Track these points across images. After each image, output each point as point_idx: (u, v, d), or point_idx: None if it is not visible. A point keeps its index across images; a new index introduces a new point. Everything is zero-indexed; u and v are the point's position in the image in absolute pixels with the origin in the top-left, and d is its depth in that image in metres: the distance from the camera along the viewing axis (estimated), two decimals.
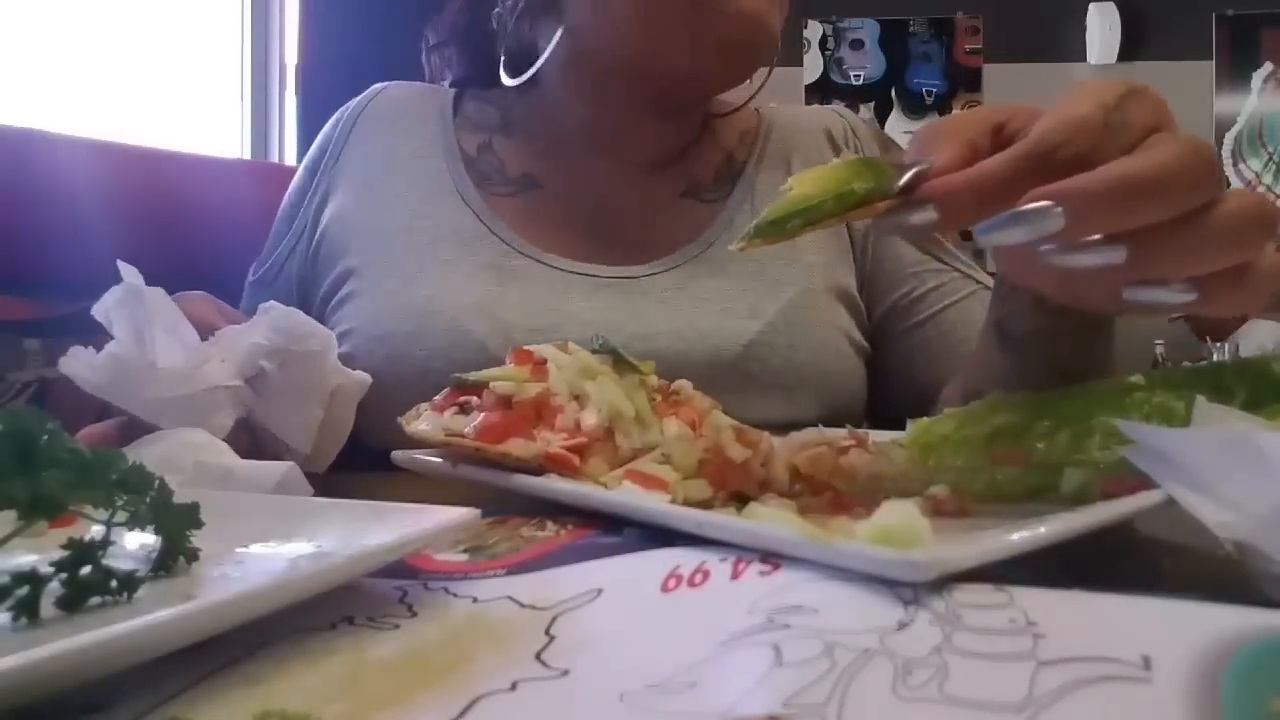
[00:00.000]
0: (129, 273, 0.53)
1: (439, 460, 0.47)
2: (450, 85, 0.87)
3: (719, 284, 0.74)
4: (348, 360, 0.73)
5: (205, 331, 0.58)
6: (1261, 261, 0.36)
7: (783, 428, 0.53)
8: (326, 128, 0.85)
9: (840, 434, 0.52)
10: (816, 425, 0.51)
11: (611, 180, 0.79)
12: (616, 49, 0.75)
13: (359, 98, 0.85)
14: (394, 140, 0.81)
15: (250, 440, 0.55)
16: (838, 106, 0.91)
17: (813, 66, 4.97)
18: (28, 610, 0.26)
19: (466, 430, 0.45)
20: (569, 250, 0.76)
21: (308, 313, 0.72)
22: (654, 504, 0.37)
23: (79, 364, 0.50)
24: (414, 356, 0.70)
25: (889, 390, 0.79)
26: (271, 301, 0.58)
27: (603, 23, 0.74)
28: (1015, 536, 0.29)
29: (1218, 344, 4.03)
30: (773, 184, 0.81)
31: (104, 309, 0.52)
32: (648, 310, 0.73)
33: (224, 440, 0.52)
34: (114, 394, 0.51)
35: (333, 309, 0.76)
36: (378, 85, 0.86)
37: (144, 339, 0.51)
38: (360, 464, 0.59)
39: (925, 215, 0.36)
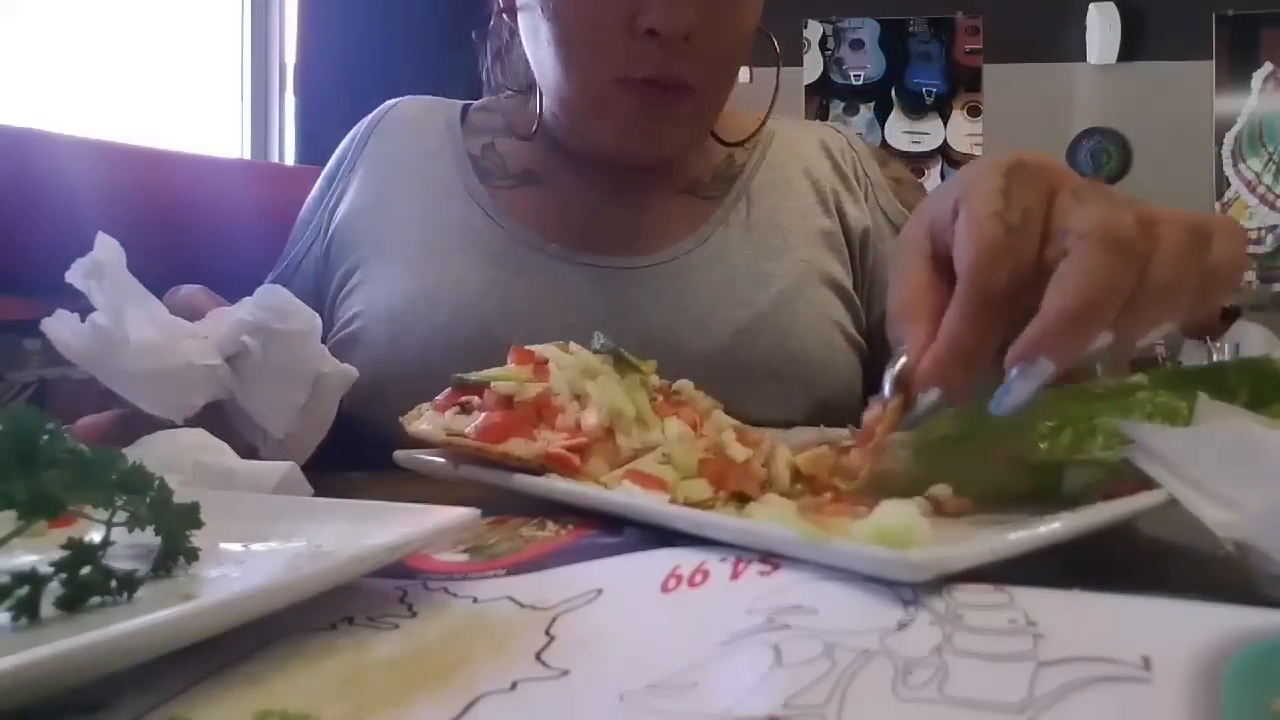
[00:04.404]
0: (104, 246, 0.52)
1: (440, 460, 0.47)
2: (508, 90, 0.91)
3: (713, 275, 0.77)
4: (355, 339, 0.75)
5: (197, 316, 0.58)
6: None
7: (778, 424, 0.54)
8: (344, 142, 0.90)
9: (841, 434, 0.52)
10: (817, 425, 0.51)
11: (609, 177, 0.81)
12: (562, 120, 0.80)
13: (374, 112, 0.90)
14: (406, 146, 0.85)
15: (223, 426, 0.54)
16: (837, 124, 0.96)
17: (813, 66, 4.97)
18: (28, 610, 0.26)
19: (467, 430, 0.45)
20: (569, 241, 0.78)
21: (321, 309, 0.75)
22: (654, 504, 0.37)
23: (62, 329, 0.50)
24: (419, 331, 0.73)
25: None
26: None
27: (545, 94, 0.79)
28: (1015, 536, 0.29)
29: (1217, 344, 4.03)
30: (770, 188, 0.83)
31: (77, 277, 0.51)
32: (644, 300, 0.76)
33: (192, 421, 0.52)
34: (90, 363, 0.51)
35: (343, 298, 0.80)
36: (391, 101, 0.91)
37: (117, 312, 0.51)
38: (361, 464, 0.59)
39: (932, 400, 0.39)
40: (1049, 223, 0.38)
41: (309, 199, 0.89)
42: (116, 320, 0.50)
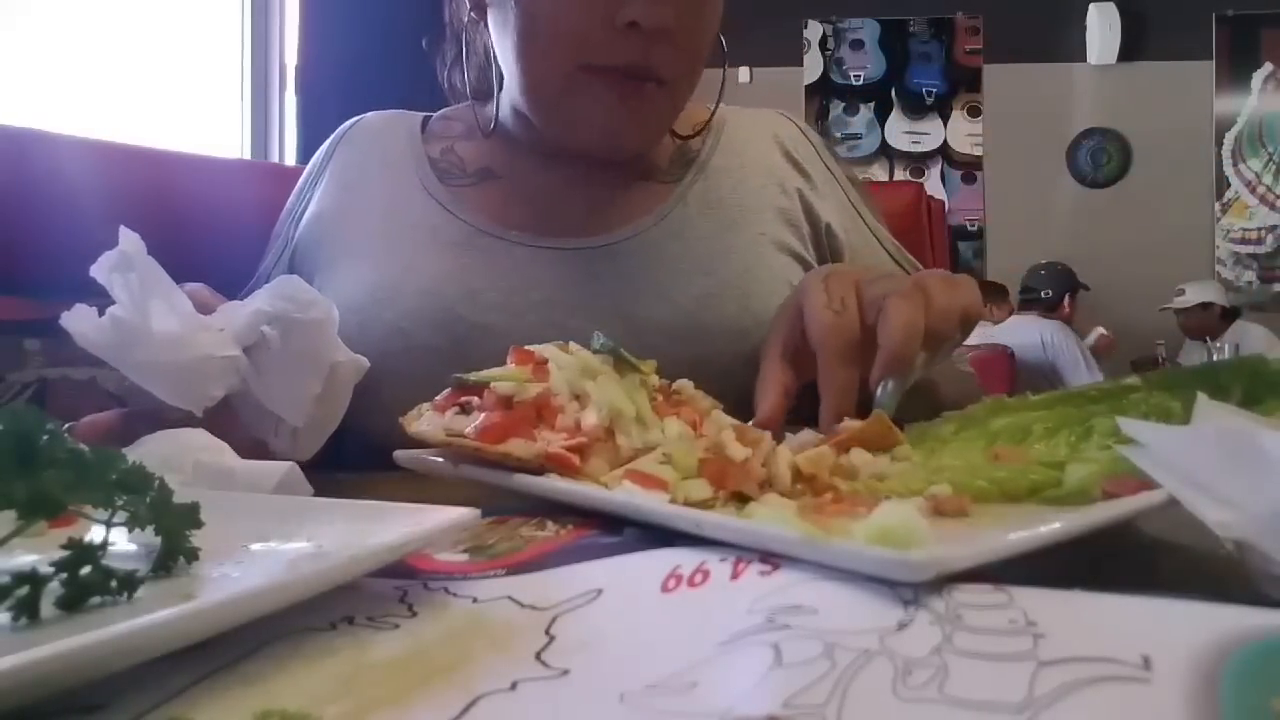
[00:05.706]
0: (128, 239, 0.53)
1: (440, 460, 0.47)
2: (470, 96, 0.91)
3: (673, 248, 0.79)
4: None
5: (204, 312, 0.58)
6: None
7: (743, 387, 0.58)
8: (314, 156, 0.91)
9: (852, 425, 0.52)
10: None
11: (569, 171, 0.83)
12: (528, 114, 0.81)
13: (340, 127, 0.92)
14: (368, 155, 0.87)
15: (231, 420, 0.55)
16: (788, 112, 0.96)
17: (813, 66, 4.97)
18: (28, 610, 0.26)
19: (467, 430, 0.45)
20: (530, 229, 0.80)
21: None
22: (654, 504, 0.37)
23: (82, 322, 0.51)
24: (385, 319, 0.74)
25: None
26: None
27: (513, 88, 0.80)
28: (1015, 536, 0.30)
29: (1217, 344, 4.04)
30: (725, 170, 0.85)
31: (102, 271, 0.52)
32: (607, 275, 0.77)
33: (207, 414, 0.52)
34: (111, 355, 0.52)
35: None
36: (355, 117, 0.93)
37: (141, 304, 0.51)
38: (360, 463, 0.59)
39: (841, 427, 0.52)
40: (860, 301, 0.56)
41: (281, 213, 0.90)
42: (140, 312, 0.51)
